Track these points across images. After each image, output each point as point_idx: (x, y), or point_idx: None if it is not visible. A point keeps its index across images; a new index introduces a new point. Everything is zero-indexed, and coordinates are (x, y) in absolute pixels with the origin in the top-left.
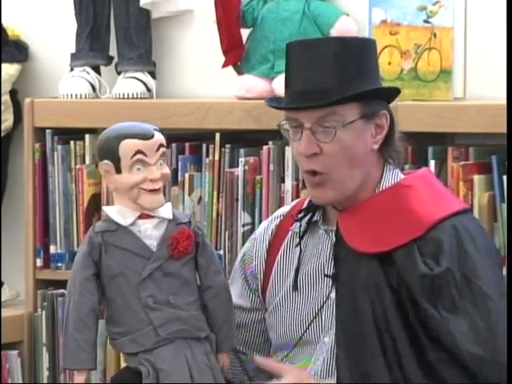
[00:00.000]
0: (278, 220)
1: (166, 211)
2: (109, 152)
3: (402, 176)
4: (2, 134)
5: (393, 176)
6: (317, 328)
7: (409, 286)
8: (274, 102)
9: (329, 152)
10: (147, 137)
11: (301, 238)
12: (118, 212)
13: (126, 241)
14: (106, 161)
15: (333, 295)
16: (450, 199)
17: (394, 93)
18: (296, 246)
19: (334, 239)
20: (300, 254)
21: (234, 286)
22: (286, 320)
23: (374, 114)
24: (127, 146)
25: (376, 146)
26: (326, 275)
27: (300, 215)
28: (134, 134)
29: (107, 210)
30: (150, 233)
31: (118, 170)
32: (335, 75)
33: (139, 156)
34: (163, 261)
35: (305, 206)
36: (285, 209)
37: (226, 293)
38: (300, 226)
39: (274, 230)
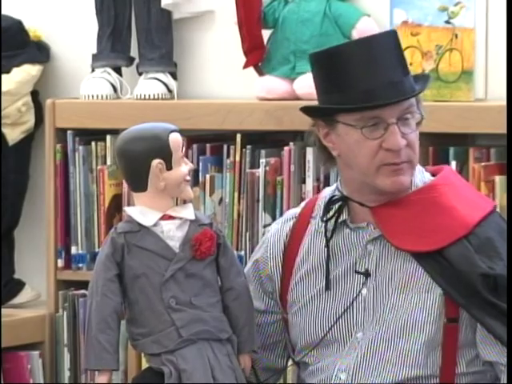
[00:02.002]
0: (291, 222)
1: (189, 212)
2: (159, 150)
3: (428, 174)
4: (24, 135)
5: (420, 173)
6: (346, 324)
7: (472, 283)
8: (325, 104)
9: (411, 142)
10: (178, 130)
11: (330, 238)
12: (140, 213)
13: (149, 242)
14: (158, 160)
15: (364, 291)
16: (481, 199)
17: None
18: (325, 246)
19: (368, 236)
20: (328, 253)
21: None
22: (315, 318)
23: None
24: (177, 141)
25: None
26: (358, 272)
27: (328, 216)
28: (173, 128)
29: (129, 210)
30: (173, 234)
31: (169, 167)
32: (398, 68)
33: (184, 149)
34: (186, 262)
35: (320, 206)
36: (296, 210)
37: (247, 295)
38: (326, 226)
39: (288, 232)
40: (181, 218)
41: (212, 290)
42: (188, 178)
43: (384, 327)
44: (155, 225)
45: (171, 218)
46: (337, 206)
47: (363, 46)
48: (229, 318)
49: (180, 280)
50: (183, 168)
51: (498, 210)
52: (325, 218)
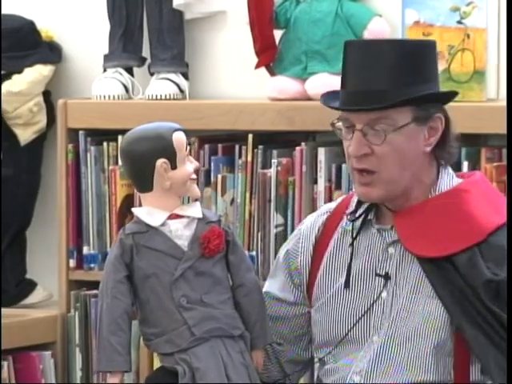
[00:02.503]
0: (325, 216)
1: (196, 210)
2: (163, 150)
3: (457, 179)
4: (36, 135)
5: (448, 178)
6: (365, 326)
7: (475, 290)
8: (329, 100)
9: (380, 153)
10: (182, 129)
11: (355, 237)
12: (147, 213)
13: (157, 241)
14: (162, 159)
15: (384, 295)
16: (505, 204)
17: (451, 96)
18: (350, 245)
19: (389, 239)
20: (352, 252)
21: (276, 280)
22: (334, 317)
23: (428, 117)
24: (180, 140)
25: (429, 149)
26: (378, 274)
27: (356, 215)
28: (176, 127)
29: (137, 211)
30: (181, 233)
31: (174, 166)
32: (390, 78)
33: (188, 147)
34: (195, 260)
35: (354, 203)
36: (331, 205)
37: (258, 290)
38: (353, 224)
39: (320, 226)
40: (188, 217)
41: (222, 287)
42: (194, 176)
43: (397, 331)
44: (163, 224)
45: (178, 216)
46: (365, 205)
47: (360, 49)
48: (240, 314)
49: (190, 278)
50: (188, 167)
51: None
52: (350, 217)
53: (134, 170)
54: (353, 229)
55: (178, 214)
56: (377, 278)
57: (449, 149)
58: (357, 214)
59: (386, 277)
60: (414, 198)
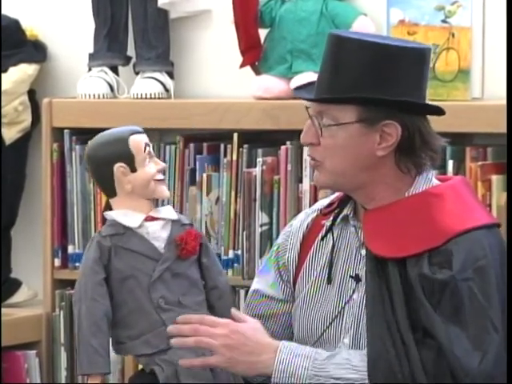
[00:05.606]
0: (315, 214)
1: (170, 212)
2: (120, 154)
3: (435, 182)
4: (20, 135)
5: (425, 182)
6: (337, 328)
7: (412, 287)
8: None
9: (324, 145)
10: (143, 131)
11: (328, 230)
12: (124, 215)
13: (135, 243)
14: (119, 163)
15: (355, 296)
16: (477, 212)
17: (408, 105)
18: (322, 238)
19: (362, 238)
20: (333, 247)
21: (266, 276)
22: (310, 315)
23: (375, 121)
24: (138, 142)
25: (380, 153)
26: (350, 276)
27: (328, 208)
28: (135, 130)
29: (113, 214)
30: (158, 234)
31: (133, 169)
32: (338, 76)
33: (148, 148)
34: (171, 262)
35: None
36: (324, 202)
37: (231, 293)
38: (333, 221)
39: (309, 223)
40: (164, 219)
41: (197, 288)
42: (160, 177)
43: (363, 335)
44: (140, 226)
45: (154, 218)
46: (342, 200)
47: (331, 40)
48: (214, 316)
49: (167, 280)
50: (149, 168)
51: (493, 209)
52: (323, 211)
53: (96, 176)
54: (332, 225)
55: (154, 216)
56: (350, 278)
57: (416, 158)
58: (331, 208)
59: (357, 278)
60: (381, 198)
